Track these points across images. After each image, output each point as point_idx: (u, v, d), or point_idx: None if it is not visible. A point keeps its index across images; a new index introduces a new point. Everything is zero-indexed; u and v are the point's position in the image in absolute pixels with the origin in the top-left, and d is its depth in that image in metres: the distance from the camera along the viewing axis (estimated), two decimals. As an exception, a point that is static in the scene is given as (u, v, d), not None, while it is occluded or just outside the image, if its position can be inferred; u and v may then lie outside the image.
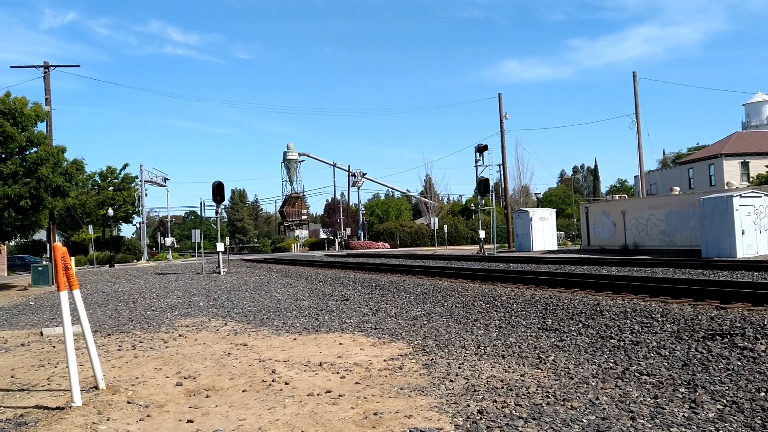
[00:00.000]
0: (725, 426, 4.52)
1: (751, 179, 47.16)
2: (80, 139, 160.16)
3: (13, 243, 50.23)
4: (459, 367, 6.78)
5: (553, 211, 42.41)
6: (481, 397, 5.50)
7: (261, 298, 15.97)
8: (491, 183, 43.39)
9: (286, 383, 6.29)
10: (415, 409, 5.15)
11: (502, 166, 48.40)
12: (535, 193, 71.39)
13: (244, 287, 19.96)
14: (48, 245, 40.71)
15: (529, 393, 5.56)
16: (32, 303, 18.34)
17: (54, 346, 9.41)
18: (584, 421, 4.68)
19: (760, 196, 24.08)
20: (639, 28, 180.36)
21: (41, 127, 26.45)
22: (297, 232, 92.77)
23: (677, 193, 34.45)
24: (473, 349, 7.94)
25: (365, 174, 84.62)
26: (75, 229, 59.09)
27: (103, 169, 59.69)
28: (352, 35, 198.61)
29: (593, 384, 5.90)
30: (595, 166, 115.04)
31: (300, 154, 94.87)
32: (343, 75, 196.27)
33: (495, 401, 5.31)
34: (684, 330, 7.87)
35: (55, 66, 30.83)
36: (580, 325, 9.03)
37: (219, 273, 28.23)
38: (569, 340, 8.16)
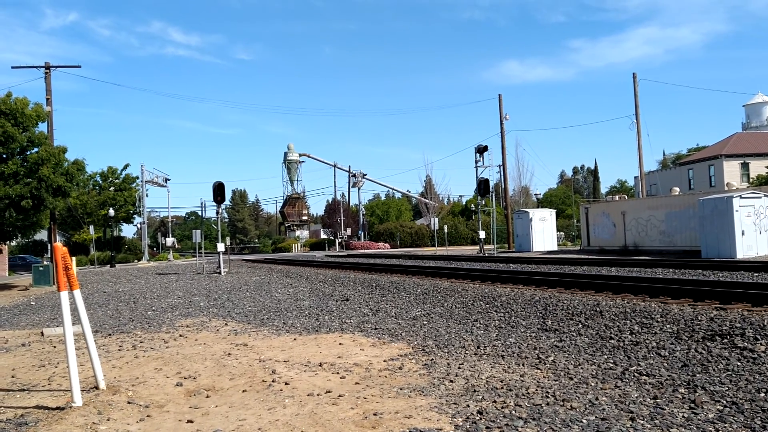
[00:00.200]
0: (725, 427, 4.52)
1: (751, 180, 47.16)
2: (81, 139, 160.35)
3: (14, 243, 50.23)
4: (459, 368, 6.79)
5: (553, 211, 42.42)
6: (480, 397, 5.50)
7: (261, 299, 15.98)
8: (491, 183, 43.42)
9: (286, 383, 6.30)
10: (414, 410, 5.16)
11: (502, 167, 48.42)
12: (535, 194, 71.38)
13: (244, 287, 19.97)
14: (49, 245, 40.74)
15: (528, 393, 5.57)
16: (33, 303, 18.36)
17: (55, 346, 9.43)
18: (584, 421, 4.69)
19: (760, 197, 24.08)
20: (639, 29, 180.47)
21: (42, 127, 26.50)
22: (297, 233, 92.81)
23: (677, 193, 34.45)
24: (473, 349, 7.95)
25: (366, 174, 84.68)
26: (76, 230, 59.13)
27: (104, 169, 59.84)
28: (353, 36, 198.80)
29: (593, 384, 5.90)
30: (595, 166, 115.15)
31: (301, 155, 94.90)
32: (343, 76, 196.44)
33: (494, 401, 5.31)
34: (684, 330, 7.88)
35: (56, 66, 30.86)
36: (580, 325, 9.04)
37: (219, 273, 28.25)
38: (569, 341, 8.16)
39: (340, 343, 8.72)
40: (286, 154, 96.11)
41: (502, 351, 7.76)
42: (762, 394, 5.27)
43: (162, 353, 8.41)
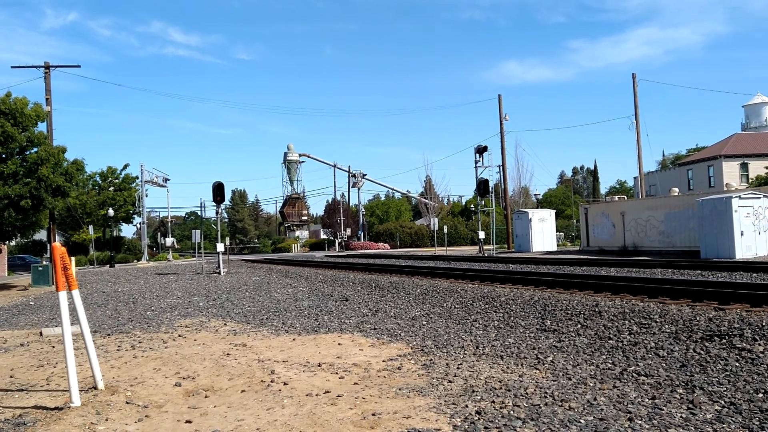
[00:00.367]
0: (723, 427, 4.52)
1: (750, 180, 47.17)
2: (81, 139, 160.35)
3: (13, 243, 50.23)
4: (457, 368, 6.79)
5: (553, 212, 42.43)
6: (479, 397, 5.51)
7: (261, 299, 15.98)
8: (491, 184, 43.43)
9: (284, 383, 6.30)
10: (413, 410, 5.16)
11: (501, 167, 48.44)
12: (535, 194, 71.38)
13: (243, 287, 19.97)
14: (48, 245, 40.72)
15: (527, 393, 5.58)
16: (32, 303, 18.35)
17: (53, 347, 9.42)
18: (582, 421, 4.69)
19: (759, 198, 24.09)
20: (639, 30, 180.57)
21: (42, 127, 26.48)
22: (297, 233, 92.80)
23: (676, 194, 34.46)
24: (472, 349, 7.95)
25: (365, 175, 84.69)
26: (75, 230, 59.10)
27: (104, 169, 59.80)
28: (353, 36, 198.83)
29: (591, 385, 5.91)
30: (595, 167, 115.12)
31: (300, 155, 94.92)
32: (343, 76, 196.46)
33: (493, 402, 5.32)
34: (682, 331, 7.88)
35: (56, 66, 30.84)
36: (579, 325, 9.04)
37: (219, 273, 28.24)
38: (568, 341, 8.17)
39: (339, 344, 8.72)
40: (285, 154, 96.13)
41: (501, 351, 7.76)
42: (760, 395, 5.28)
43: (161, 353, 8.41)
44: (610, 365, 6.72)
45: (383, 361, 7.35)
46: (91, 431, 4.93)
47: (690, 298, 10.22)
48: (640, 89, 52.84)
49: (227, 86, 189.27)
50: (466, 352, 7.81)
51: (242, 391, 6.09)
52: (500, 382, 6.09)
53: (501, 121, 47.75)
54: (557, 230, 47.16)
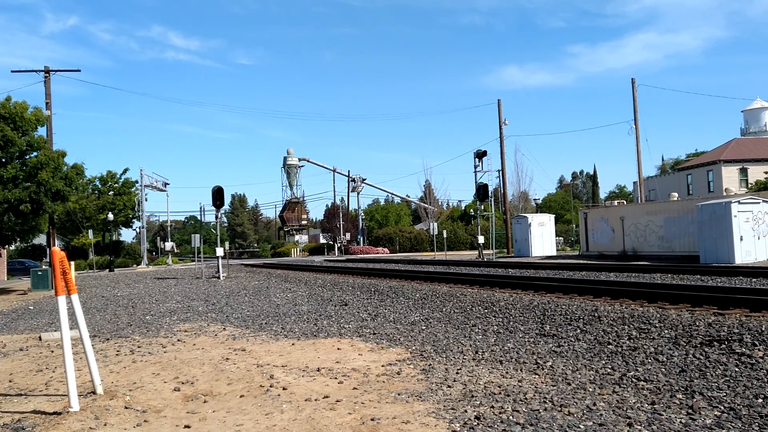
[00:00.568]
0: (722, 432, 4.52)
1: (749, 185, 47.19)
2: (81, 143, 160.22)
3: (13, 247, 50.15)
4: (457, 373, 6.79)
5: (552, 216, 42.43)
6: (478, 402, 5.50)
7: (260, 303, 15.97)
8: (490, 189, 43.45)
9: (283, 388, 6.30)
10: (412, 415, 5.15)
11: (501, 172, 48.50)
12: (534, 199, 71.36)
13: (243, 292, 19.96)
14: (48, 250, 40.71)
15: (526, 399, 5.57)
16: (31, 307, 18.33)
17: (52, 351, 9.41)
18: (581, 427, 4.69)
19: (759, 203, 24.12)
20: (638, 35, 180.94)
21: (41, 131, 26.53)
22: (297, 237, 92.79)
23: (676, 199, 34.50)
24: (471, 354, 7.95)
25: (365, 179, 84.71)
26: (75, 234, 59.02)
27: (104, 173, 59.78)
28: (353, 41, 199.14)
29: (591, 390, 5.90)
30: (594, 172, 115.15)
31: (300, 159, 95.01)
32: (343, 81, 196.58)
33: (492, 407, 5.31)
34: (682, 336, 7.88)
35: (56, 71, 30.92)
36: (578, 330, 9.04)
37: (218, 278, 28.22)
38: (567, 346, 8.16)
39: (338, 348, 8.72)
40: (285, 158, 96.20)
41: (500, 356, 7.76)
42: (760, 400, 5.27)
43: (160, 358, 8.40)
44: (609, 370, 6.72)
45: (382, 365, 7.34)
46: (90, 436, 4.92)
47: (689, 303, 10.22)
48: (640, 94, 53.02)
49: (227, 91, 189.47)
50: (465, 356, 7.81)
51: (241, 396, 6.08)
52: (499, 387, 6.08)
53: (500, 126, 47.84)
54: (557, 235, 47.16)
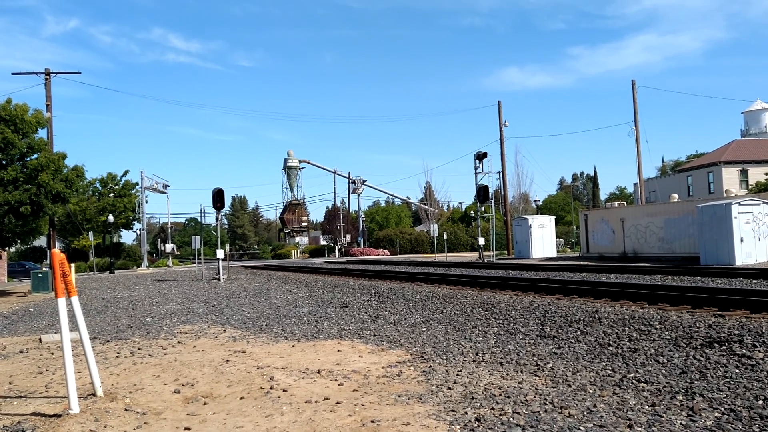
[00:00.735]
0: (722, 434, 4.51)
1: (750, 187, 47.18)
2: (82, 145, 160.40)
3: (13, 249, 50.13)
4: (457, 375, 6.78)
5: (553, 218, 42.42)
6: (478, 404, 5.50)
7: (260, 305, 15.97)
8: (491, 190, 43.44)
9: (284, 390, 6.29)
10: (412, 417, 5.15)
11: (501, 174, 48.51)
12: (535, 201, 71.38)
13: (243, 294, 19.95)
14: (48, 252, 40.69)
15: (526, 400, 5.57)
16: (32, 309, 18.33)
17: (53, 353, 9.41)
18: (582, 428, 4.68)
19: (759, 204, 24.11)
20: (638, 37, 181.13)
21: (42, 133, 26.56)
22: (297, 239, 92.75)
23: (676, 200, 34.48)
24: (471, 356, 7.94)
25: (365, 181, 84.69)
26: (75, 236, 59.04)
27: (104, 175, 59.84)
28: (354, 43, 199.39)
29: (591, 391, 5.90)
30: (595, 173, 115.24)
31: (300, 161, 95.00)
32: (344, 82, 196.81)
33: (492, 409, 5.31)
34: (682, 337, 7.88)
35: (56, 73, 30.95)
36: (579, 332, 9.03)
37: (219, 280, 28.22)
38: (567, 348, 8.16)
39: (338, 350, 8.71)
40: (285, 160, 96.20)
41: (501, 358, 7.75)
42: (760, 402, 5.27)
43: (160, 360, 8.40)
44: (609, 372, 6.71)
45: (383, 367, 7.34)
46: (90, 438, 4.91)
47: (690, 305, 10.21)
48: (640, 96, 53.04)
49: (227, 92, 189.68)
50: (465, 358, 7.80)
51: (241, 398, 6.08)
52: (500, 388, 6.08)
53: (501, 128, 47.86)
54: (557, 236, 47.15)
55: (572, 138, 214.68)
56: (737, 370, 6.32)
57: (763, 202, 24.26)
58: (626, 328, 8.76)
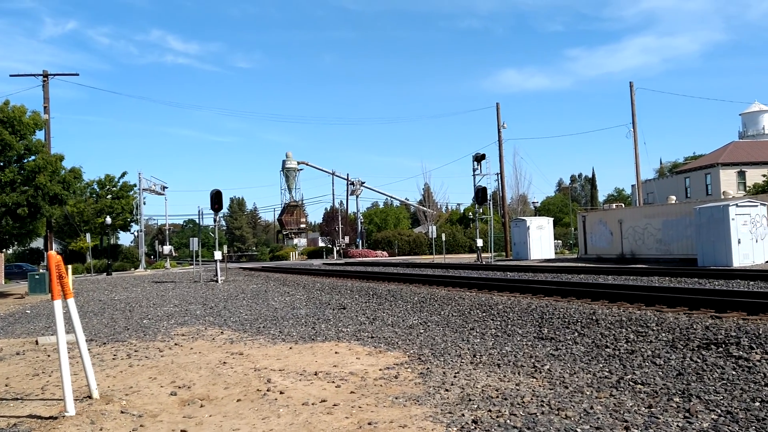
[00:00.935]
0: (719, 436, 4.51)
1: (747, 188, 47.27)
2: (79, 147, 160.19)
3: (10, 251, 50.08)
4: (454, 377, 6.78)
5: (551, 219, 42.46)
6: (476, 406, 5.49)
7: (258, 307, 15.94)
8: (489, 192, 43.47)
9: (281, 392, 6.28)
10: (409, 419, 5.14)
11: (499, 175, 48.57)
12: (533, 202, 71.45)
13: (241, 296, 19.93)
14: (45, 253, 40.62)
15: (524, 402, 5.56)
16: (28, 311, 18.28)
17: (49, 355, 9.38)
18: (579, 430, 4.68)
19: (756, 206, 24.15)
20: (636, 39, 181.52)
21: (40, 135, 26.55)
22: (295, 241, 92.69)
23: (674, 202, 34.52)
24: (469, 358, 7.94)
25: (364, 182, 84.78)
26: (73, 238, 58.93)
27: (102, 177, 59.78)
28: (352, 44, 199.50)
29: (588, 393, 5.89)
30: (593, 175, 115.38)
31: (299, 163, 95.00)
32: (342, 84, 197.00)
33: (490, 411, 5.30)
34: (679, 339, 7.88)
35: (54, 75, 30.97)
36: (576, 334, 9.03)
37: (216, 281, 28.18)
38: (565, 349, 8.16)
39: (336, 352, 8.70)
40: (284, 162, 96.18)
41: (498, 359, 7.75)
42: (757, 404, 5.27)
43: (157, 362, 8.38)
44: (606, 373, 6.71)
45: (380, 369, 7.33)
46: (86, 441, 4.90)
47: (687, 307, 10.22)
48: (638, 97, 53.02)
49: (226, 94, 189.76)
50: (463, 360, 7.79)
51: (238, 400, 6.07)
52: (497, 390, 6.07)
53: (499, 129, 47.91)
54: (555, 238, 47.16)
55: (570, 140, 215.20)
56: (734, 372, 6.32)
57: (761, 204, 24.30)
58: (623, 330, 8.76)
